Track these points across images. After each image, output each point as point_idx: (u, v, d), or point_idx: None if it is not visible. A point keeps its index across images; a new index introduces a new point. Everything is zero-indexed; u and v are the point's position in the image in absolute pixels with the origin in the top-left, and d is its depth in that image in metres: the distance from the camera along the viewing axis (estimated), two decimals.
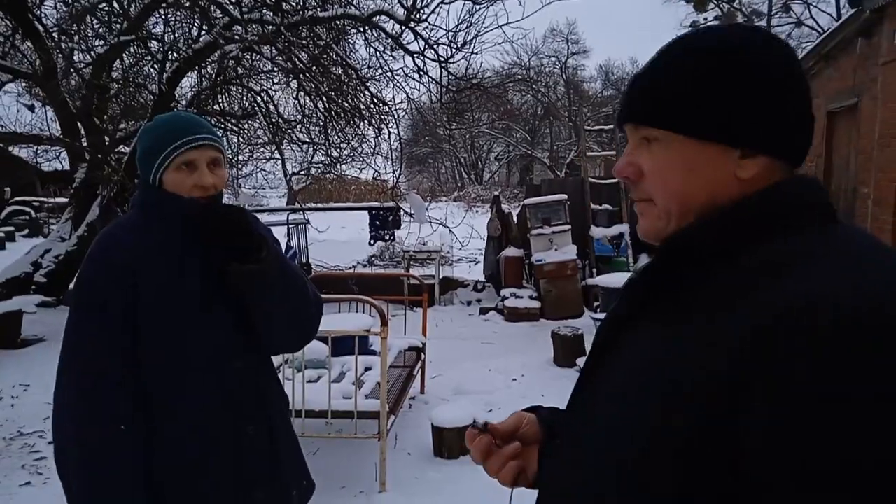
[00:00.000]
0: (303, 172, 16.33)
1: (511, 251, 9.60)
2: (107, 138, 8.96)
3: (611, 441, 0.82)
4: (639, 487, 0.76)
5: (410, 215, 11.30)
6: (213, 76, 9.41)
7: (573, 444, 0.90)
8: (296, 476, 1.89)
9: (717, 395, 0.69)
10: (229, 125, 10.54)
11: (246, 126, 11.07)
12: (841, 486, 0.61)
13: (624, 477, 0.78)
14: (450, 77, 9.71)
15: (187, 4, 8.48)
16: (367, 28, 9.24)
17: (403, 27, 8.95)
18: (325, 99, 9.59)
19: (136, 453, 1.63)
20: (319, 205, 15.13)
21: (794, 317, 0.66)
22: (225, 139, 10.73)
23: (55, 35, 8.87)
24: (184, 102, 9.07)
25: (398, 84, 10.02)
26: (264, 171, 14.64)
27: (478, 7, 9.09)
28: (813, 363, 0.63)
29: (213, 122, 9.81)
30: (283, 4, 8.31)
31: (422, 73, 9.48)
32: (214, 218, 1.66)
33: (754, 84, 0.81)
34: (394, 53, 9.58)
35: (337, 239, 14.27)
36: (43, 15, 8.87)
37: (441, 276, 10.30)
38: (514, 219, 10.23)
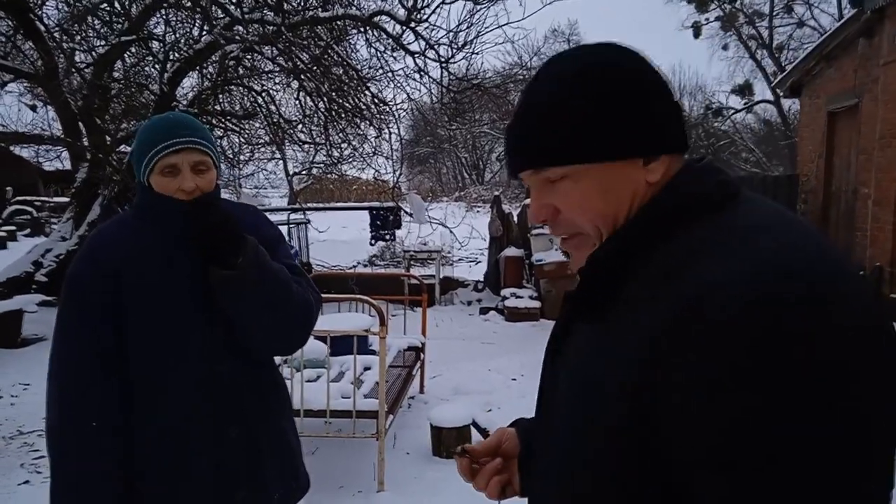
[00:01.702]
0: (304, 172, 16.34)
1: (511, 251, 9.61)
2: (108, 138, 8.98)
3: (562, 444, 0.88)
4: (590, 485, 0.82)
5: (410, 215, 11.30)
6: (214, 76, 9.42)
7: (542, 451, 0.96)
8: (279, 478, 1.87)
9: (638, 393, 0.74)
10: (230, 125, 10.55)
11: (247, 126, 11.08)
12: (746, 466, 0.66)
13: (576, 477, 0.84)
14: (450, 77, 9.72)
15: (188, 5, 8.49)
16: (367, 28, 9.25)
17: (404, 27, 8.96)
18: (325, 99, 9.59)
19: (114, 450, 1.65)
20: (320, 204, 15.14)
21: (687, 314, 0.71)
22: (226, 139, 10.73)
23: (57, 35, 8.88)
24: (185, 102, 9.08)
25: (399, 84, 10.05)
26: (265, 171, 14.66)
27: (478, 7, 9.10)
28: (706, 354, 0.68)
29: (214, 121, 9.82)
30: (284, 5, 8.31)
31: (422, 73, 9.49)
32: (195, 217, 1.67)
33: (633, 95, 0.85)
34: (394, 54, 9.60)
35: (338, 239, 14.28)
36: (44, 15, 8.89)
37: (441, 276, 10.30)
38: (515, 219, 10.23)
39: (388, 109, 10.16)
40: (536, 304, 8.86)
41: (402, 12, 8.87)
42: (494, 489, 1.10)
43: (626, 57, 0.88)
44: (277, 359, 4.06)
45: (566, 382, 0.89)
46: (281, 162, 15.34)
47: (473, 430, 4.33)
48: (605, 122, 0.84)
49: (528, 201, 9.55)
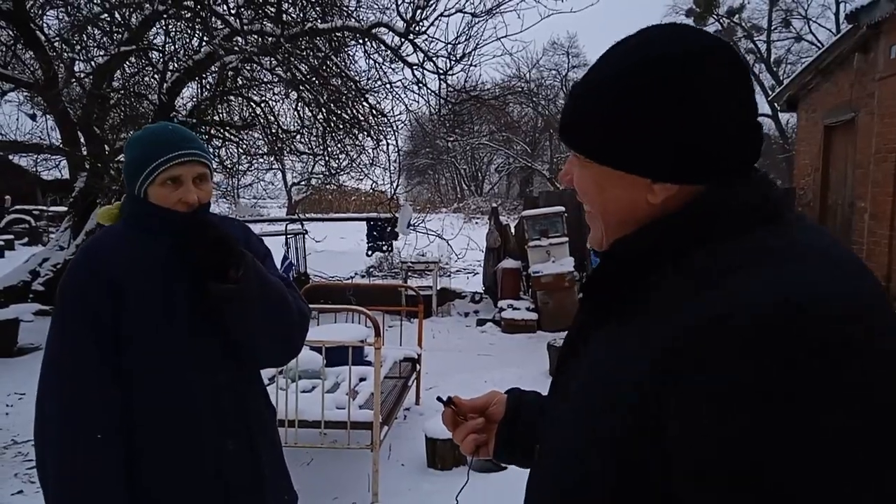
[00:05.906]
0: (303, 183, 16.35)
1: (509, 263, 9.60)
2: (107, 147, 9.00)
3: (562, 445, 0.86)
4: (583, 492, 0.80)
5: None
6: (213, 86, 9.45)
7: (543, 448, 0.95)
8: (277, 490, 1.87)
9: (644, 403, 0.72)
10: (229, 135, 10.56)
11: (245, 136, 11.09)
12: (744, 487, 0.65)
13: (572, 482, 0.82)
14: (449, 89, 9.75)
15: (188, 15, 8.53)
16: (366, 40, 9.30)
17: (403, 39, 9.01)
18: (324, 110, 9.62)
19: (118, 468, 1.61)
20: (318, 215, 15.14)
21: (697, 332, 0.69)
22: (224, 149, 10.74)
23: (57, 45, 8.92)
24: (184, 112, 9.10)
25: (397, 96, 10.08)
26: (264, 181, 14.65)
27: (477, 20, 9.16)
28: (716, 374, 0.67)
29: (212, 132, 9.84)
30: (284, 16, 8.36)
31: (421, 84, 9.54)
32: (193, 234, 1.66)
33: (656, 117, 0.79)
34: (393, 65, 9.66)
35: (336, 249, 14.27)
36: (45, 25, 8.93)
37: (439, 288, 10.29)
38: (512, 230, 10.24)
39: (386, 120, 10.19)
40: (533, 315, 8.85)
41: (400, 24, 8.92)
42: (469, 445, 1.16)
43: (682, 67, 0.78)
44: (272, 369, 4.08)
45: (578, 384, 0.87)
46: (279, 172, 15.36)
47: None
48: (615, 132, 0.82)
49: (525, 213, 9.57)
